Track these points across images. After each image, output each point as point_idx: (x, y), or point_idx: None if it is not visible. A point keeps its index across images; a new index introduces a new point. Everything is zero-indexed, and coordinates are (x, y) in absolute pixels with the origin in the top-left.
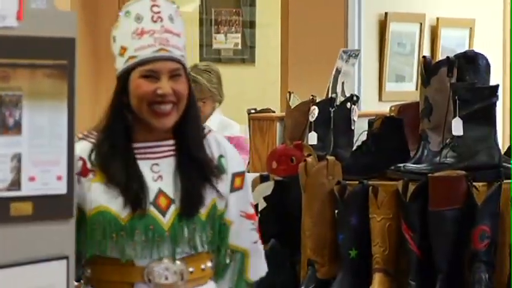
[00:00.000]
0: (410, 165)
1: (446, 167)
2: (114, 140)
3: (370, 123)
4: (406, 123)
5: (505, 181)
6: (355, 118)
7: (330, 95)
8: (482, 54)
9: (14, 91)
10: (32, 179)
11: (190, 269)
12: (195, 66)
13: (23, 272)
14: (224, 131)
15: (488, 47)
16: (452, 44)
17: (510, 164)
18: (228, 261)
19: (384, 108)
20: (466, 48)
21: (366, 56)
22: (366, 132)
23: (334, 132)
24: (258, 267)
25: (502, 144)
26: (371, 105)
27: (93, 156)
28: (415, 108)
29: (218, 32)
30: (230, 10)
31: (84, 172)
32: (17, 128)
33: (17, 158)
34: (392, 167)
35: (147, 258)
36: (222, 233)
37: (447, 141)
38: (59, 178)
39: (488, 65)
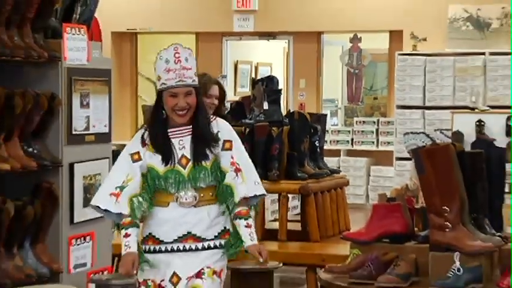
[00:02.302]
0: (247, 121)
1: (261, 121)
2: (156, 128)
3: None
4: (245, 104)
5: (284, 127)
6: None
7: None
8: (275, 77)
9: (86, 90)
10: (93, 126)
11: (202, 194)
12: None
13: (93, 163)
14: None
15: (277, 74)
16: (264, 73)
17: (287, 120)
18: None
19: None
20: (269, 74)
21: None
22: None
23: None
24: (242, 190)
25: (285, 112)
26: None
27: (148, 137)
28: (249, 98)
29: None
30: None
31: (143, 145)
32: (87, 105)
33: (88, 118)
34: (240, 122)
35: (177, 190)
36: (222, 176)
37: (261, 110)
38: (105, 126)
39: (277, 81)
